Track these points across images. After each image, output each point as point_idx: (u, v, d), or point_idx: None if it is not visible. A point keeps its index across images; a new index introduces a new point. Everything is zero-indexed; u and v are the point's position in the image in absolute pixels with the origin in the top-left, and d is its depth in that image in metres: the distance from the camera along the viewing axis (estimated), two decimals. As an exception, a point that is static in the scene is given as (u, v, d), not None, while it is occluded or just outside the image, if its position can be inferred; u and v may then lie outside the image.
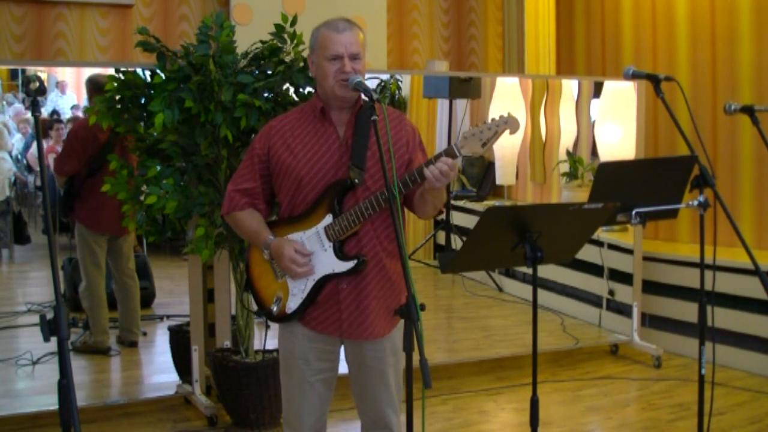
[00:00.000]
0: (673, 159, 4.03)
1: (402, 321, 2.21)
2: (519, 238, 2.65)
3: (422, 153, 2.69)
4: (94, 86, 4.89)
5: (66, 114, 8.03)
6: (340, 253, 2.55)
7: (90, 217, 5.01)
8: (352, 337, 2.61)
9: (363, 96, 2.48)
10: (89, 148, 4.88)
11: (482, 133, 2.43)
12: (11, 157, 7.27)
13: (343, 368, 2.74)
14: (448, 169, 2.39)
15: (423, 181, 2.44)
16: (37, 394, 4.45)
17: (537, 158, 6.79)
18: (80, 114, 7.76)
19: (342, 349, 2.71)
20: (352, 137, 2.57)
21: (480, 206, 6.71)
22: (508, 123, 2.43)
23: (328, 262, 2.56)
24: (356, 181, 2.52)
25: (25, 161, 7.65)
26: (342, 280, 2.57)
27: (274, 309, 2.65)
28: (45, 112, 7.85)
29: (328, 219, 2.55)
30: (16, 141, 7.79)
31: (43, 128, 7.08)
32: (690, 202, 2.94)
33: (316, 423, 2.68)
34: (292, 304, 2.61)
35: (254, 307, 2.76)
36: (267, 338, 4.10)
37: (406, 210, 2.69)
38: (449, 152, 2.42)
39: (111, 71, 4.24)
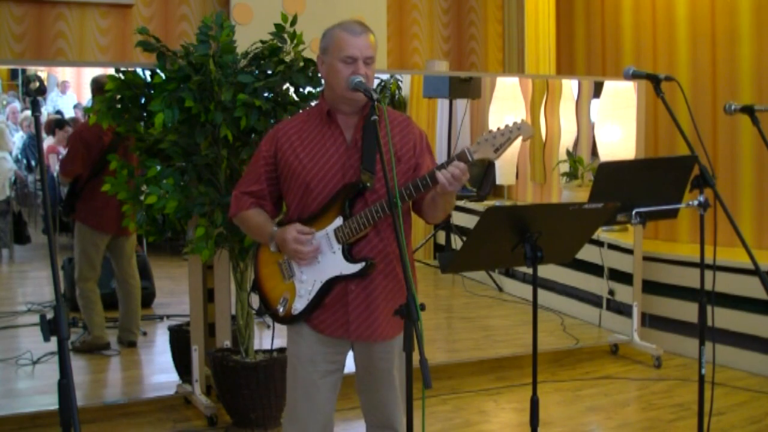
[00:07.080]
0: (673, 159, 4.02)
1: None
2: (519, 238, 2.64)
3: (430, 156, 2.68)
4: (98, 87, 4.90)
5: (68, 113, 8.02)
6: (349, 256, 2.55)
7: (93, 216, 5.03)
8: (360, 338, 2.61)
9: (364, 95, 2.47)
10: (93, 150, 4.90)
11: (495, 139, 2.43)
12: (11, 156, 7.26)
13: (346, 369, 2.74)
14: (461, 174, 2.39)
15: (435, 185, 2.43)
16: (37, 394, 4.46)
17: (537, 158, 6.79)
18: (81, 113, 7.75)
19: (350, 351, 2.70)
20: (361, 140, 2.56)
21: (480, 206, 6.71)
22: (522, 129, 2.43)
23: (336, 264, 2.56)
24: (368, 184, 2.52)
25: (25, 161, 7.64)
26: (351, 282, 2.57)
27: (281, 310, 2.65)
28: (45, 112, 7.84)
29: (338, 221, 2.55)
30: (18, 139, 7.77)
31: (50, 127, 7.09)
32: (690, 202, 2.94)
33: (325, 427, 2.66)
34: (299, 305, 2.60)
35: (256, 306, 2.74)
36: (267, 338, 4.10)
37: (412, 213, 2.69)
38: (462, 156, 2.41)
39: (111, 71, 4.24)
